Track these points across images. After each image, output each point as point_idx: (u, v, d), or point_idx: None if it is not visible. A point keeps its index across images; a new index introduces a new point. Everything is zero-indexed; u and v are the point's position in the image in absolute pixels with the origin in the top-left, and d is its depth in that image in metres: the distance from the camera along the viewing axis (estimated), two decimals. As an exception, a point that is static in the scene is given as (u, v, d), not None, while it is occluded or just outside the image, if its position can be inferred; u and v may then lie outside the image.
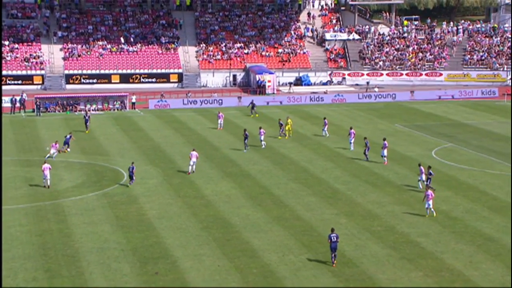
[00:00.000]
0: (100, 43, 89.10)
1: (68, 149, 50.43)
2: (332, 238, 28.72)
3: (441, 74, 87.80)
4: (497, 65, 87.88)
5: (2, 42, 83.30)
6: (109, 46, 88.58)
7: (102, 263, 29.31)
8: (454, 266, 28.91)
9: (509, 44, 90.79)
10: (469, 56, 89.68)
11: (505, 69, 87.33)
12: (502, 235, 32.47)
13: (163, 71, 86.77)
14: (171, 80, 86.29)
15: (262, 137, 51.62)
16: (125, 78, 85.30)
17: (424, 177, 40.05)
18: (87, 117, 58.82)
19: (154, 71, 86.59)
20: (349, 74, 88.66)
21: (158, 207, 37.44)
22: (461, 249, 30.87)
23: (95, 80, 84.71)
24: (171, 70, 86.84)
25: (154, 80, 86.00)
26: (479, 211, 36.35)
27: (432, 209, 35.02)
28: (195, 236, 32.65)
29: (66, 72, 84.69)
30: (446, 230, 33.29)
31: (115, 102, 71.50)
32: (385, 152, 46.41)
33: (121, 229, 33.76)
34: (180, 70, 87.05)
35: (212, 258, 29.92)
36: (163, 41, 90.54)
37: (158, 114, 68.98)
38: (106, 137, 56.83)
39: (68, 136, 51.27)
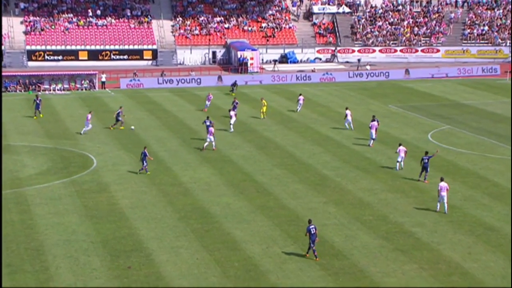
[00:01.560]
0: (66, 16, 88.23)
1: (132, 127, 52.29)
2: (311, 230, 28.82)
3: (438, 51, 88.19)
4: (499, 40, 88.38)
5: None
6: (75, 20, 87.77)
7: (69, 256, 29.23)
8: (451, 258, 29.21)
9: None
10: (468, 30, 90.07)
11: (508, 44, 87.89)
12: (503, 224, 32.85)
13: (135, 47, 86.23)
14: (144, 57, 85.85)
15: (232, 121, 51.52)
16: (93, 55, 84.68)
17: (403, 157, 41.03)
18: (38, 101, 57.08)
19: (126, 47, 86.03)
20: (338, 51, 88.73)
21: (131, 195, 37.37)
22: (459, 239, 31.19)
23: (60, 57, 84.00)
24: (145, 46, 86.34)
25: (126, 57, 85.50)
26: (479, 198, 36.71)
27: (446, 204, 34.22)
28: (171, 227, 32.67)
29: (28, 47, 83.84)
30: (443, 220, 33.59)
31: (83, 81, 71.04)
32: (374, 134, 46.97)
33: (90, 219, 33.67)
34: (155, 47, 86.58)
35: (190, 250, 29.98)
36: (136, 14, 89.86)
37: (131, 94, 68.66)
38: (74, 120, 56.49)
39: (119, 111, 52.83)
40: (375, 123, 47.38)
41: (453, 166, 42.59)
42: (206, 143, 45.98)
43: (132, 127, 52.42)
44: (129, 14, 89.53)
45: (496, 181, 39.59)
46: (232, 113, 52.14)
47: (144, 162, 40.88)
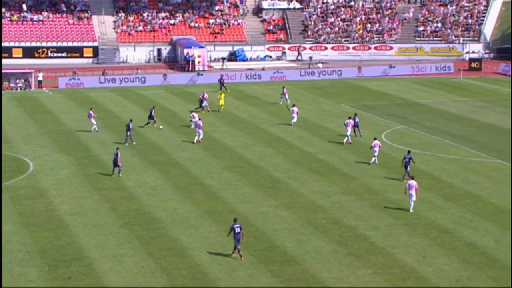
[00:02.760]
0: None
1: (161, 126, 52.48)
2: (236, 229, 29.38)
3: (391, 48, 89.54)
4: (453, 37, 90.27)
5: None
6: (8, 14, 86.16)
7: (3, 268, 28.68)
8: (406, 262, 29.72)
9: (465, 14, 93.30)
10: (422, 27, 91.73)
11: (461, 41, 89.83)
12: (457, 227, 33.57)
13: (75, 44, 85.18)
14: (84, 55, 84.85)
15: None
16: (29, 52, 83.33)
17: (377, 151, 43.14)
18: None
19: (65, 44, 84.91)
20: (289, 48, 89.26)
21: (71, 201, 36.95)
22: (413, 243, 31.75)
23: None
24: (85, 43, 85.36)
25: (64, 54, 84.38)
26: (433, 200, 37.43)
27: (412, 203, 35.06)
28: (114, 234, 32.41)
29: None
30: (397, 222, 34.15)
31: (17, 81, 69.83)
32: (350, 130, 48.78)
33: (26, 227, 33.16)
34: (96, 43, 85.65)
35: (134, 258, 29.79)
36: (75, 9, 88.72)
37: (70, 94, 67.81)
38: (8, 121, 55.51)
39: (152, 110, 53.19)
40: (351, 120, 48.95)
41: (407, 167, 43.32)
42: (201, 137, 47.97)
43: (161, 126, 52.48)
44: (64, 9, 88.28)
45: (450, 182, 40.43)
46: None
47: (118, 164, 40.67)
